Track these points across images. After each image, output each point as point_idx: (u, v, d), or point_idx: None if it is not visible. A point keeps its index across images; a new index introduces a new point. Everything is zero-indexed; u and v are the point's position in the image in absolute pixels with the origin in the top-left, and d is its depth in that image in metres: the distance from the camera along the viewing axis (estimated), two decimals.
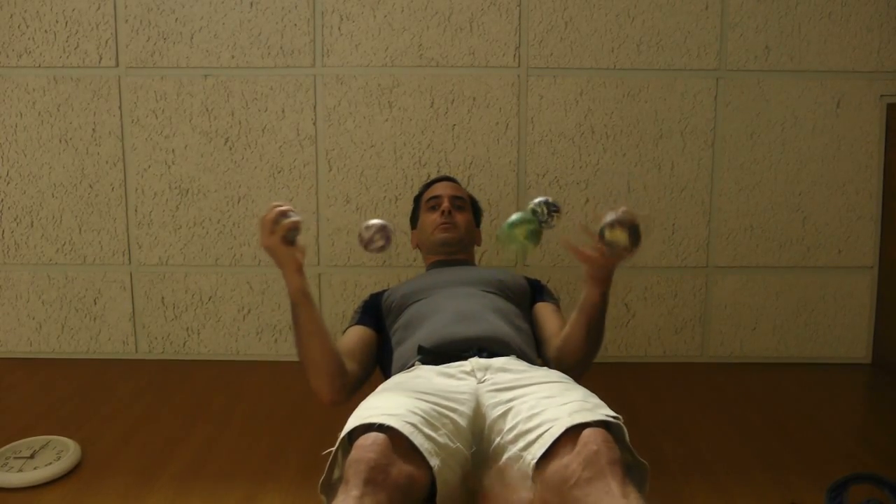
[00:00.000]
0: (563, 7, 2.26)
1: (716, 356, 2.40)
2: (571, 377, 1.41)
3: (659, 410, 1.99)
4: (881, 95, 2.28)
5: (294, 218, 1.39)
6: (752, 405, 2.04)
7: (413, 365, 1.47)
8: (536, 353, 1.60)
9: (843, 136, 2.30)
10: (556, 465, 1.14)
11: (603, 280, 1.42)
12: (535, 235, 1.46)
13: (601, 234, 1.33)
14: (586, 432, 1.14)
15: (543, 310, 1.72)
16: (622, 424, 1.20)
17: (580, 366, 1.52)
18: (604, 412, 1.21)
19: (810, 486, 1.53)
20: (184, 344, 2.41)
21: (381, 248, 1.48)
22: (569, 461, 1.12)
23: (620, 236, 1.31)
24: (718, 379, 2.24)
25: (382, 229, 1.48)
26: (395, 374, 1.52)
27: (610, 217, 1.33)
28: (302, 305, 1.43)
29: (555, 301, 1.78)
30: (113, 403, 2.03)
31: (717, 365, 2.37)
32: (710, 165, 2.32)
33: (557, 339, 1.57)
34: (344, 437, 1.19)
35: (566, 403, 1.23)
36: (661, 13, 2.26)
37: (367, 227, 1.48)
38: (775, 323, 2.38)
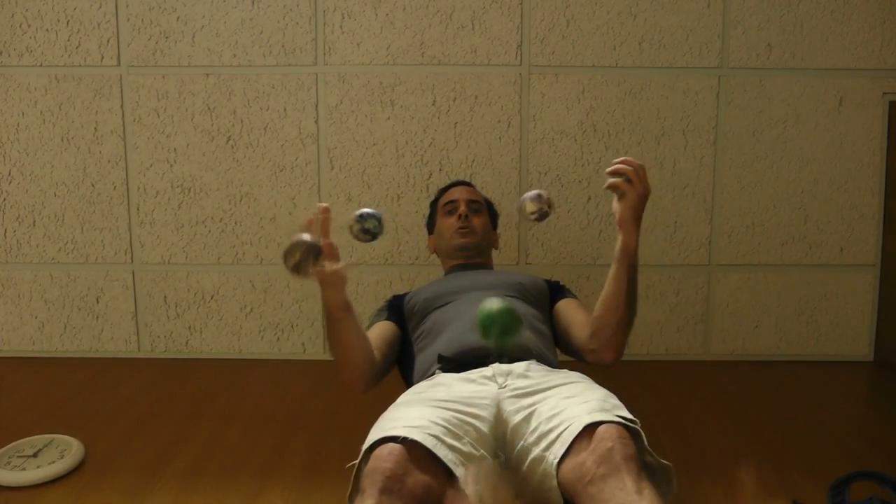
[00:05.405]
0: (565, 5, 2.26)
1: (718, 354, 2.40)
2: (611, 353, 1.46)
3: (661, 408, 1.99)
4: (883, 93, 2.28)
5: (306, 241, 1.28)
6: (754, 403, 2.04)
7: (434, 373, 1.48)
8: (557, 355, 1.60)
9: (845, 133, 2.30)
10: (572, 463, 1.15)
11: (636, 217, 1.40)
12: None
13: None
14: (601, 429, 1.15)
15: (568, 304, 1.70)
16: (639, 428, 1.21)
17: (619, 331, 1.47)
18: (621, 414, 1.22)
19: (812, 483, 1.53)
20: (186, 342, 2.42)
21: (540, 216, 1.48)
22: (584, 458, 1.13)
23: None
24: (720, 377, 2.24)
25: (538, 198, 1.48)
26: (416, 381, 1.53)
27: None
28: (343, 321, 1.41)
29: (575, 297, 1.76)
30: (115, 402, 2.03)
31: (719, 363, 2.37)
32: (712, 163, 2.32)
33: (589, 323, 1.54)
34: (366, 450, 1.19)
35: (586, 402, 1.24)
36: (662, 11, 2.26)
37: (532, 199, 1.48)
38: (777, 321, 2.38)
